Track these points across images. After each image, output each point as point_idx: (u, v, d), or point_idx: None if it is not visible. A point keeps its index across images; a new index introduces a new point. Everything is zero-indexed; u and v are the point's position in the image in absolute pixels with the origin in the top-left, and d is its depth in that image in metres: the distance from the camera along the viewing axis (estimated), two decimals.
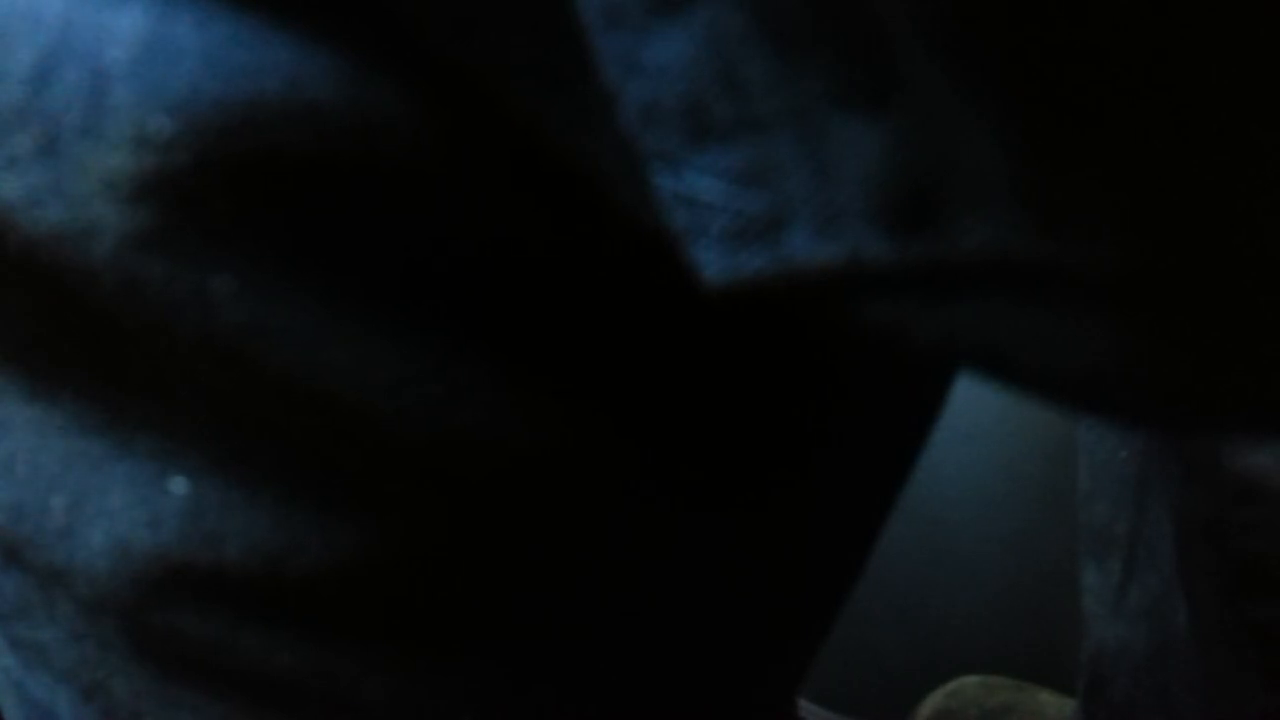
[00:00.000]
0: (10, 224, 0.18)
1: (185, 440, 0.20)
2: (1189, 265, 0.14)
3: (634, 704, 0.24)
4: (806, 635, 0.28)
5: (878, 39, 0.13)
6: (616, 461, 0.22)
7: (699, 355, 0.22)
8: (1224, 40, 0.12)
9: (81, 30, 0.17)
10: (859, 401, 0.25)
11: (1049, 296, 0.14)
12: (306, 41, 0.17)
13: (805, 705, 0.76)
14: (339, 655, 0.22)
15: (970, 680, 0.75)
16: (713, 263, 0.15)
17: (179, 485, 0.20)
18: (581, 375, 0.21)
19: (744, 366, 0.22)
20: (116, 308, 0.19)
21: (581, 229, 0.20)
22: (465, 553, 0.21)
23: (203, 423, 0.20)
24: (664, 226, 0.16)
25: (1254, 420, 0.17)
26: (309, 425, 0.20)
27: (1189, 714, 0.53)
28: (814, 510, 0.25)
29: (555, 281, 0.20)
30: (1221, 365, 0.15)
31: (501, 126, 0.18)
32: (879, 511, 0.27)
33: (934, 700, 0.75)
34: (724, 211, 0.15)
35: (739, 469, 0.23)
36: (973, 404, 0.76)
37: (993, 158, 0.13)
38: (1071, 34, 0.12)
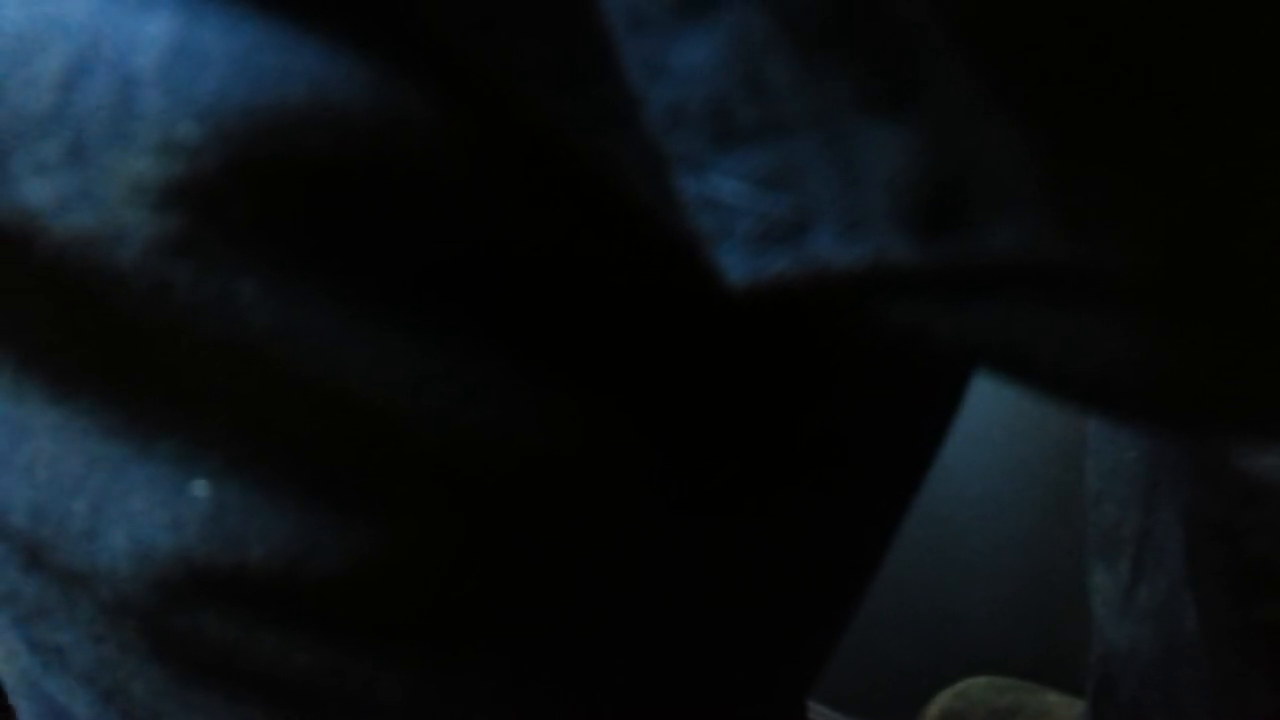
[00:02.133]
0: (38, 229, 0.18)
1: (207, 443, 0.20)
2: (1207, 267, 0.14)
3: (648, 703, 0.24)
4: (820, 637, 0.28)
5: (902, 42, 0.13)
6: (633, 462, 0.22)
7: (715, 357, 0.22)
8: (1246, 48, 0.12)
9: (109, 36, 0.17)
10: (875, 404, 0.25)
11: (1069, 297, 0.14)
12: (331, 46, 0.17)
13: (813, 706, 0.76)
14: (355, 655, 0.22)
15: (978, 681, 0.75)
16: (737, 265, 0.15)
17: (200, 488, 0.20)
18: (598, 376, 0.21)
19: (760, 368, 0.22)
20: (142, 312, 0.19)
21: (599, 231, 0.20)
22: (482, 552, 0.21)
23: (224, 425, 0.20)
24: (686, 228, 0.16)
25: (1266, 424, 0.17)
26: (330, 426, 0.20)
27: (1197, 715, 0.53)
28: (829, 512, 0.25)
29: (573, 283, 0.20)
30: (1237, 367, 0.15)
31: (520, 129, 0.18)
32: (894, 514, 0.27)
33: (942, 701, 0.75)
34: (748, 214, 0.15)
35: (754, 470, 0.23)
36: (983, 405, 0.76)
37: (1016, 159, 0.13)
38: (1093, 37, 0.12)
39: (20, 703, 0.25)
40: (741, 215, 0.15)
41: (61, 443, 0.21)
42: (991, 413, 0.76)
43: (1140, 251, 0.13)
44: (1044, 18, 0.12)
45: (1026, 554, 0.76)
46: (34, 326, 0.20)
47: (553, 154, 0.19)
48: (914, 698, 0.76)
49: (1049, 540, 0.76)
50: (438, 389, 0.20)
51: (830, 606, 0.27)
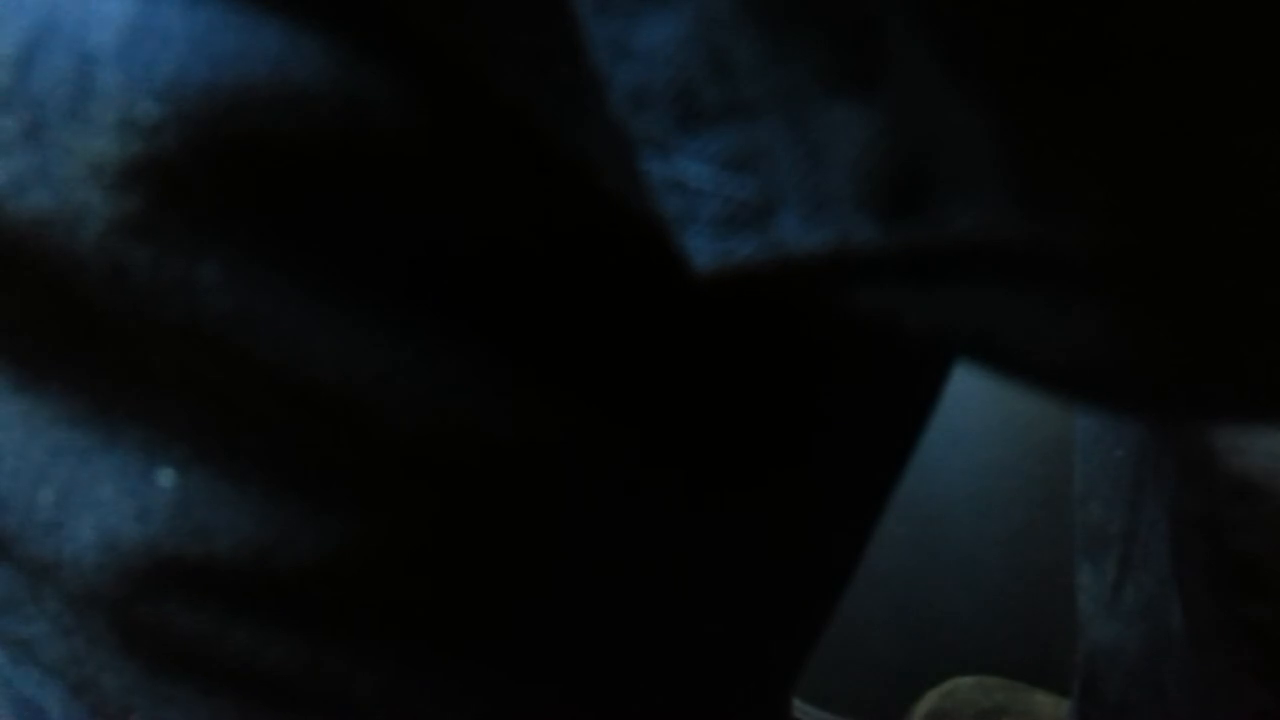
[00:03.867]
0: None
1: (173, 432, 0.20)
2: (1176, 248, 0.13)
3: (631, 700, 0.24)
4: (803, 630, 0.28)
5: (866, 21, 0.13)
6: (610, 455, 0.21)
7: (694, 346, 0.22)
8: (1209, 24, 0.12)
9: (67, 13, 0.17)
10: (855, 391, 0.25)
11: (1037, 280, 0.14)
12: (294, 26, 0.17)
13: (800, 706, 0.76)
14: (329, 649, 0.21)
15: (965, 681, 0.75)
16: (703, 249, 0.15)
17: (166, 477, 0.20)
18: (574, 367, 0.21)
19: (739, 357, 0.22)
20: (103, 295, 0.18)
21: (572, 217, 0.20)
22: (457, 546, 0.21)
23: (190, 414, 0.20)
24: (654, 213, 0.16)
25: (1238, 406, 0.17)
26: (297, 416, 0.20)
27: (1183, 714, 0.53)
28: (810, 502, 0.25)
29: (545, 271, 0.20)
30: (1208, 349, 0.15)
31: (490, 113, 0.18)
32: (875, 503, 0.27)
33: (929, 700, 0.75)
34: (714, 197, 0.15)
35: (735, 461, 0.23)
36: (969, 404, 0.76)
37: (981, 139, 0.13)
38: (1060, 13, 0.12)
39: None
40: (707, 199, 0.15)
41: (27, 431, 0.20)
42: (979, 412, 0.76)
43: (1113, 231, 0.13)
44: None
45: (1014, 554, 0.77)
46: None
47: (521, 138, 0.18)
48: (901, 697, 0.76)
49: (1036, 540, 0.76)
50: (409, 380, 0.20)
51: (813, 597, 0.27)
